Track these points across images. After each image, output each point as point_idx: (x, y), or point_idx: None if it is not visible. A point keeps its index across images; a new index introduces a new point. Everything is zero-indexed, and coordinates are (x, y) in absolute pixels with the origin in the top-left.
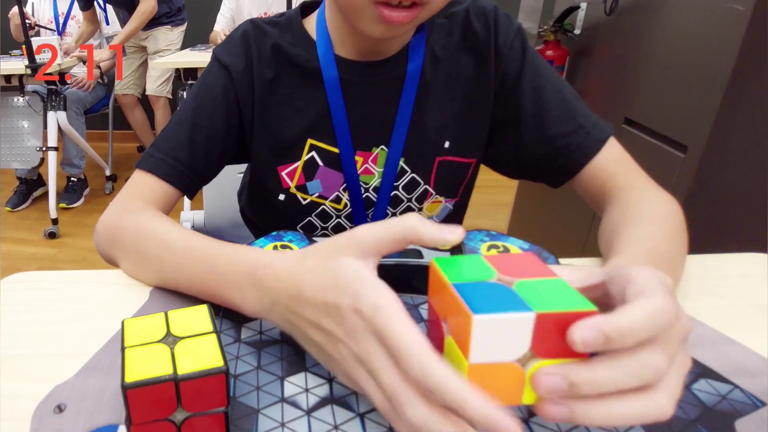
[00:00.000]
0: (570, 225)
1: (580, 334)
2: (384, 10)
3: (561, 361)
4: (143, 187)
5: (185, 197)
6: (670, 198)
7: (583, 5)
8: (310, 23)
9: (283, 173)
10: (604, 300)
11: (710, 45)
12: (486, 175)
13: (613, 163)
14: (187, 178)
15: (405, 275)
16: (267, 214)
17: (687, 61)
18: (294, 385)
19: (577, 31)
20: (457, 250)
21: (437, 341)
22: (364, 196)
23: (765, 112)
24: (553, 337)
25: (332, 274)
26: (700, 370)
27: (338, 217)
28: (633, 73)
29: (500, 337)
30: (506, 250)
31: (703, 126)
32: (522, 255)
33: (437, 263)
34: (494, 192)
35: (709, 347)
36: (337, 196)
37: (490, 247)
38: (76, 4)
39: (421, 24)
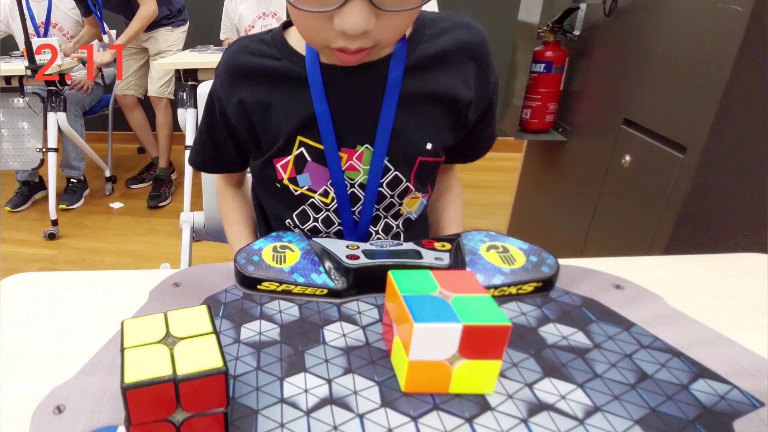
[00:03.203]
0: (569, 225)
1: None
2: (337, 52)
3: (482, 361)
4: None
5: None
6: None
7: (583, 6)
8: (292, 36)
9: (278, 165)
10: None
11: (709, 46)
12: (485, 176)
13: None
14: (227, 167)
15: None
16: (270, 197)
17: (686, 62)
18: (293, 385)
19: (576, 32)
20: (457, 250)
21: (389, 341)
22: (349, 191)
23: (764, 113)
24: (475, 343)
25: None
26: (698, 371)
27: (326, 210)
28: (632, 74)
29: (434, 341)
30: (505, 250)
31: (702, 127)
32: (463, 273)
33: (393, 276)
34: (494, 192)
35: (708, 347)
36: (325, 190)
37: (489, 248)
38: (55, 12)
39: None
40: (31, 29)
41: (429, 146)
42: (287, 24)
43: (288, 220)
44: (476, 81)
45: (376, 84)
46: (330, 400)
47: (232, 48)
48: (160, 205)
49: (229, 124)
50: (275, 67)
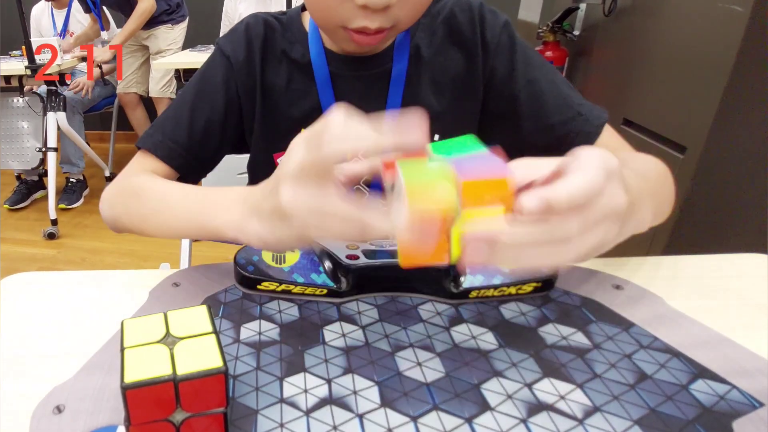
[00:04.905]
0: None
1: (527, 202)
2: (354, 34)
3: (484, 210)
4: (145, 164)
5: None
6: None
7: (583, 6)
8: (306, 20)
9: (279, 160)
10: None
11: (709, 46)
12: None
13: (610, 144)
14: (186, 161)
15: (405, 275)
16: None
17: (686, 62)
18: (293, 385)
19: (576, 32)
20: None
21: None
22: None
23: (763, 113)
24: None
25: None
26: (698, 371)
27: None
28: (632, 74)
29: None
30: None
31: (701, 127)
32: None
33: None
34: None
35: (708, 347)
36: None
37: None
38: (72, 22)
39: None
40: (52, 34)
41: (437, 138)
42: (305, 7)
43: None
44: (482, 52)
45: (380, 77)
46: (330, 400)
47: (252, 18)
48: None
49: (231, 100)
50: (285, 49)
